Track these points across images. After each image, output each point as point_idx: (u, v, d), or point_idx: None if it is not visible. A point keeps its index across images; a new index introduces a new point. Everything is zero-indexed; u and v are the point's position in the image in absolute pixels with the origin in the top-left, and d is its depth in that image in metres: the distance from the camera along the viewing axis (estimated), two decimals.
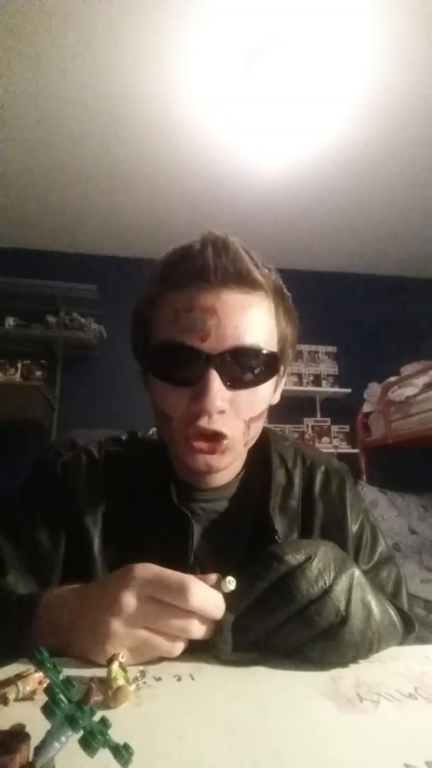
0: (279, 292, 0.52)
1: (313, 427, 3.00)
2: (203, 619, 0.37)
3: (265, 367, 0.48)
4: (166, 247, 0.52)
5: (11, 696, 0.30)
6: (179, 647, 0.37)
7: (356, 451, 2.98)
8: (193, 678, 0.36)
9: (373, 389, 3.03)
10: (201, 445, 0.47)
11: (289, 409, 2.90)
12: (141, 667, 0.36)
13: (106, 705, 0.30)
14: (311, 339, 3.07)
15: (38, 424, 2.65)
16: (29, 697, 0.31)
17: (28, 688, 0.31)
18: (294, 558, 0.38)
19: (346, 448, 2.95)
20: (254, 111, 2.06)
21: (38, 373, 2.71)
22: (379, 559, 0.59)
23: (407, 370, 2.81)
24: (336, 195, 2.64)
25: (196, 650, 0.38)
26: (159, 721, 0.29)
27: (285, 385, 0.58)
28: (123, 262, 3.13)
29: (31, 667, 0.32)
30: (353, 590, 0.38)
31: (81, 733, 0.20)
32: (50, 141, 2.23)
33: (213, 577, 0.38)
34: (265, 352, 0.48)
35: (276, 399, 0.56)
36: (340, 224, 2.92)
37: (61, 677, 0.23)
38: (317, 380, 3.08)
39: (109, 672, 0.31)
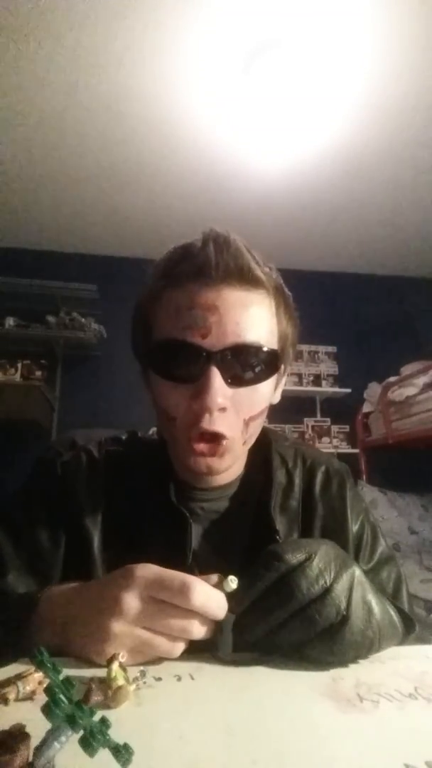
0: (280, 291, 0.52)
1: (313, 427, 3.00)
2: (204, 619, 0.37)
3: (266, 365, 0.48)
4: (166, 247, 0.52)
5: (11, 696, 0.30)
6: (179, 648, 0.37)
7: (356, 451, 2.98)
8: (193, 678, 0.35)
9: (373, 389, 3.03)
10: (202, 447, 0.47)
11: (289, 409, 2.90)
12: (141, 667, 0.36)
13: (106, 705, 0.30)
14: (311, 339, 3.06)
15: (38, 424, 2.65)
16: (29, 697, 0.31)
17: (28, 688, 0.31)
18: (294, 557, 0.38)
19: (346, 448, 2.95)
20: (254, 111, 2.06)
21: (38, 373, 2.71)
22: (380, 559, 0.59)
23: (407, 370, 2.81)
24: (336, 195, 2.64)
25: (196, 650, 0.38)
26: (159, 721, 0.29)
27: (285, 385, 0.58)
28: (123, 262, 3.13)
29: (31, 667, 0.32)
30: (354, 589, 0.38)
31: (81, 733, 0.20)
32: (50, 141, 2.23)
33: (214, 577, 0.38)
34: (265, 349, 0.48)
35: (276, 398, 0.56)
36: (340, 224, 2.92)
37: (61, 677, 0.23)
38: (317, 380, 3.08)
39: (109, 672, 0.31)
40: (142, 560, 0.38)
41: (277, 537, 0.53)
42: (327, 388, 3.07)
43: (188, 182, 2.53)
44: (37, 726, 0.22)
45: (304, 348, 3.10)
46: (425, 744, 0.27)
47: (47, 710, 0.21)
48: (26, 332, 2.79)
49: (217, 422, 0.46)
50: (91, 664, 0.36)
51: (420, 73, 1.88)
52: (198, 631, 0.36)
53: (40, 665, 0.23)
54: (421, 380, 2.62)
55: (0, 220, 2.86)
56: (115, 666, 0.32)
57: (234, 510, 0.57)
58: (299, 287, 0.63)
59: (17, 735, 0.22)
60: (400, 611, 0.43)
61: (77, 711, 0.21)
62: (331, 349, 3.19)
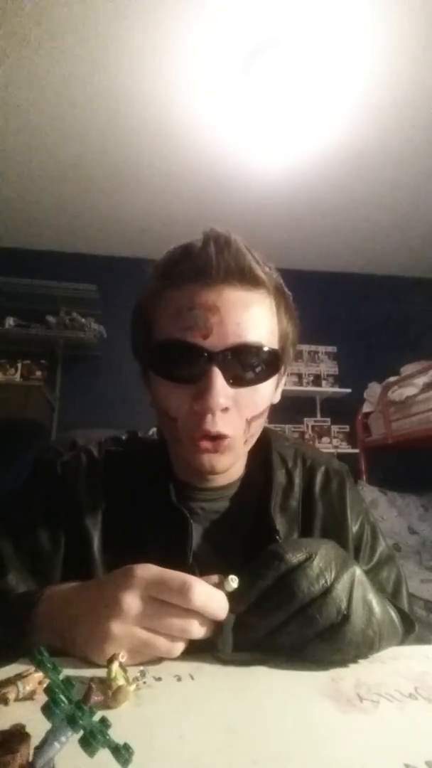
0: (280, 291, 0.52)
1: (313, 427, 3.00)
2: (203, 619, 0.37)
3: (267, 365, 0.48)
4: (166, 247, 0.52)
5: (11, 696, 0.30)
6: (179, 647, 0.37)
7: (356, 451, 2.98)
8: (193, 678, 0.35)
9: (373, 389, 3.03)
10: (206, 444, 0.47)
11: (289, 409, 2.90)
12: (141, 667, 0.36)
13: (106, 705, 0.30)
14: (311, 339, 3.06)
15: (38, 424, 2.65)
16: (29, 697, 0.31)
17: (28, 688, 0.31)
18: (295, 557, 0.38)
19: (346, 448, 2.95)
20: (254, 111, 2.06)
21: (38, 373, 2.71)
22: (379, 559, 0.59)
23: (407, 370, 2.81)
24: (336, 195, 2.64)
25: (196, 650, 0.38)
26: (159, 721, 0.29)
27: (285, 385, 0.58)
28: (123, 262, 3.13)
29: (31, 667, 0.32)
30: (354, 589, 0.38)
31: (81, 733, 0.20)
32: (50, 141, 2.23)
33: (215, 576, 0.38)
34: (266, 349, 0.48)
35: (277, 398, 0.56)
36: (340, 224, 2.92)
37: (61, 677, 0.23)
38: (317, 380, 3.08)
39: (109, 672, 0.31)
40: (142, 560, 0.38)
41: (277, 537, 0.53)
42: (327, 388, 3.07)
43: (188, 182, 2.53)
44: (37, 726, 0.22)
45: (304, 348, 3.10)
46: (425, 744, 0.27)
47: (47, 710, 0.21)
48: (26, 332, 2.79)
49: (220, 423, 0.46)
50: (91, 664, 0.36)
51: (420, 73, 1.88)
52: (198, 630, 0.36)
53: (40, 665, 0.23)
54: (421, 380, 2.62)
55: (0, 220, 2.86)
56: (115, 666, 0.32)
57: (234, 510, 0.57)
58: (299, 287, 0.63)
59: (17, 735, 0.22)
60: (400, 611, 0.43)
61: (77, 711, 0.21)
62: (331, 349, 3.19)
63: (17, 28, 1.68)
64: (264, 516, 0.54)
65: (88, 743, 0.20)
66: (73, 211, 2.78)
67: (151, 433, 0.70)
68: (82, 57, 1.80)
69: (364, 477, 2.93)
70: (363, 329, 3.37)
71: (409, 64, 1.84)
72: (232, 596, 0.37)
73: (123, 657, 0.33)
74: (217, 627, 0.37)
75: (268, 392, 0.51)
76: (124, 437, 0.62)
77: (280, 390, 0.56)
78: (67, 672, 0.27)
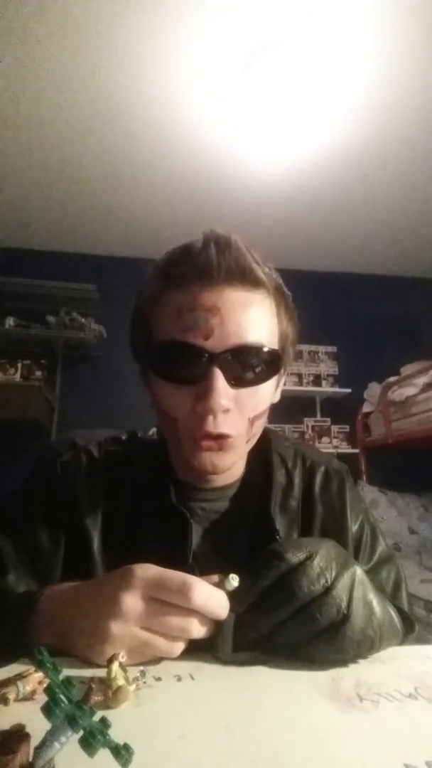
0: (280, 291, 0.52)
1: (313, 427, 3.00)
2: (203, 618, 0.37)
3: (267, 366, 0.48)
4: (166, 247, 0.52)
5: (11, 696, 0.30)
6: (179, 647, 0.37)
7: (356, 451, 2.98)
8: (193, 678, 0.35)
9: (373, 389, 3.03)
10: (209, 442, 0.47)
11: (289, 409, 2.90)
12: (141, 667, 0.36)
13: (106, 705, 0.30)
14: (311, 339, 3.06)
15: (38, 424, 2.65)
16: (29, 697, 0.31)
17: (28, 688, 0.31)
18: (295, 556, 0.38)
19: (346, 448, 2.95)
20: (254, 111, 2.06)
21: (38, 373, 2.71)
22: (379, 559, 0.59)
23: (407, 370, 2.81)
24: (336, 195, 2.64)
25: (196, 650, 0.38)
26: (159, 721, 0.29)
27: (285, 385, 0.58)
28: (123, 262, 3.13)
29: (31, 667, 0.32)
30: (355, 588, 0.38)
31: (81, 733, 0.20)
32: (50, 141, 2.23)
33: (215, 576, 0.38)
34: (266, 350, 0.48)
35: (276, 398, 0.56)
36: (340, 224, 2.92)
37: (61, 677, 0.23)
38: (317, 380, 3.08)
39: (109, 672, 0.31)
40: (142, 560, 0.38)
41: (277, 537, 0.53)
42: (327, 388, 3.07)
43: (188, 182, 2.53)
44: (37, 726, 0.22)
45: (304, 348, 3.10)
46: (425, 744, 0.27)
47: (47, 710, 0.21)
48: (26, 332, 2.79)
49: (221, 424, 0.46)
50: (91, 664, 0.36)
51: (420, 73, 1.88)
52: (198, 630, 0.36)
53: (40, 665, 0.23)
54: (421, 380, 2.62)
55: (0, 220, 2.86)
56: (115, 666, 0.32)
57: (234, 510, 0.57)
58: (299, 287, 0.63)
59: (17, 735, 0.22)
60: (399, 611, 0.43)
61: (77, 711, 0.21)
62: (331, 349, 3.19)
63: (17, 27, 1.68)
64: (264, 516, 0.54)
65: (88, 743, 0.20)
66: (73, 211, 2.78)
67: (151, 433, 0.70)
68: (82, 57, 1.80)
69: (364, 477, 2.93)
70: (363, 329, 3.37)
71: (409, 64, 1.84)
72: (232, 596, 0.37)
73: (123, 657, 0.33)
74: (217, 627, 0.37)
75: (268, 392, 0.51)
76: (124, 437, 0.62)
77: (280, 390, 0.56)
78: (67, 672, 0.27)
